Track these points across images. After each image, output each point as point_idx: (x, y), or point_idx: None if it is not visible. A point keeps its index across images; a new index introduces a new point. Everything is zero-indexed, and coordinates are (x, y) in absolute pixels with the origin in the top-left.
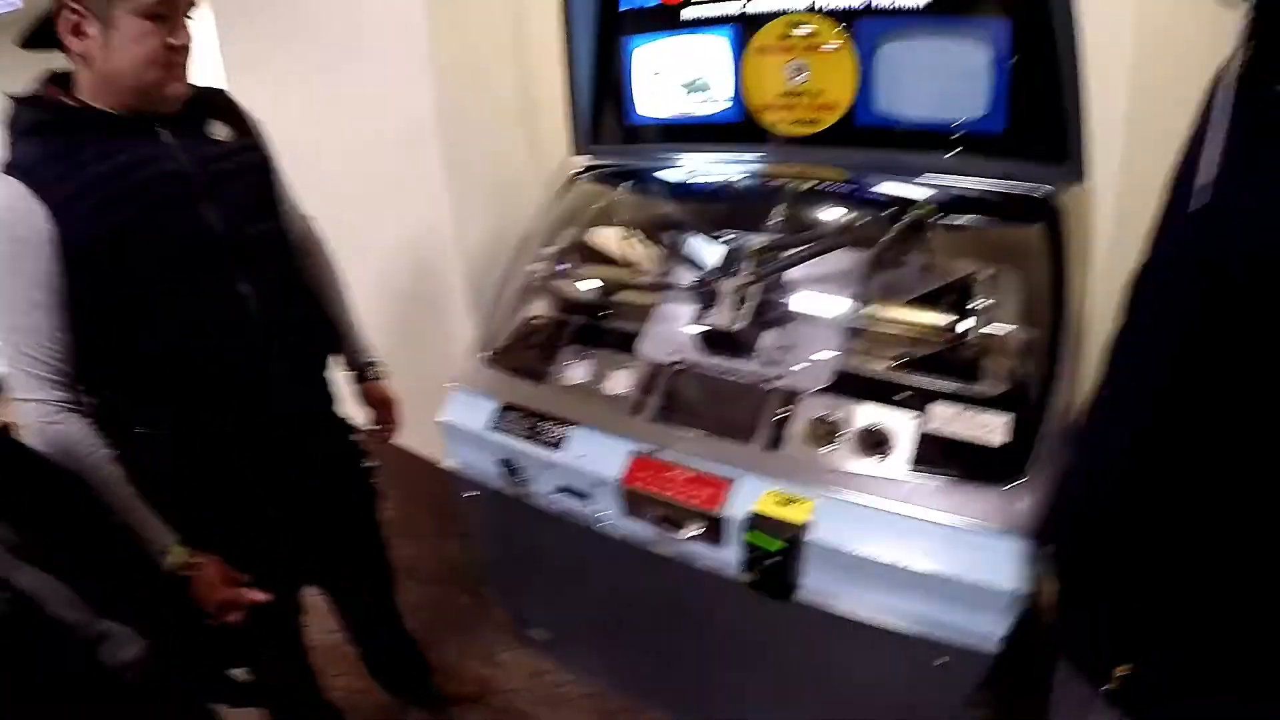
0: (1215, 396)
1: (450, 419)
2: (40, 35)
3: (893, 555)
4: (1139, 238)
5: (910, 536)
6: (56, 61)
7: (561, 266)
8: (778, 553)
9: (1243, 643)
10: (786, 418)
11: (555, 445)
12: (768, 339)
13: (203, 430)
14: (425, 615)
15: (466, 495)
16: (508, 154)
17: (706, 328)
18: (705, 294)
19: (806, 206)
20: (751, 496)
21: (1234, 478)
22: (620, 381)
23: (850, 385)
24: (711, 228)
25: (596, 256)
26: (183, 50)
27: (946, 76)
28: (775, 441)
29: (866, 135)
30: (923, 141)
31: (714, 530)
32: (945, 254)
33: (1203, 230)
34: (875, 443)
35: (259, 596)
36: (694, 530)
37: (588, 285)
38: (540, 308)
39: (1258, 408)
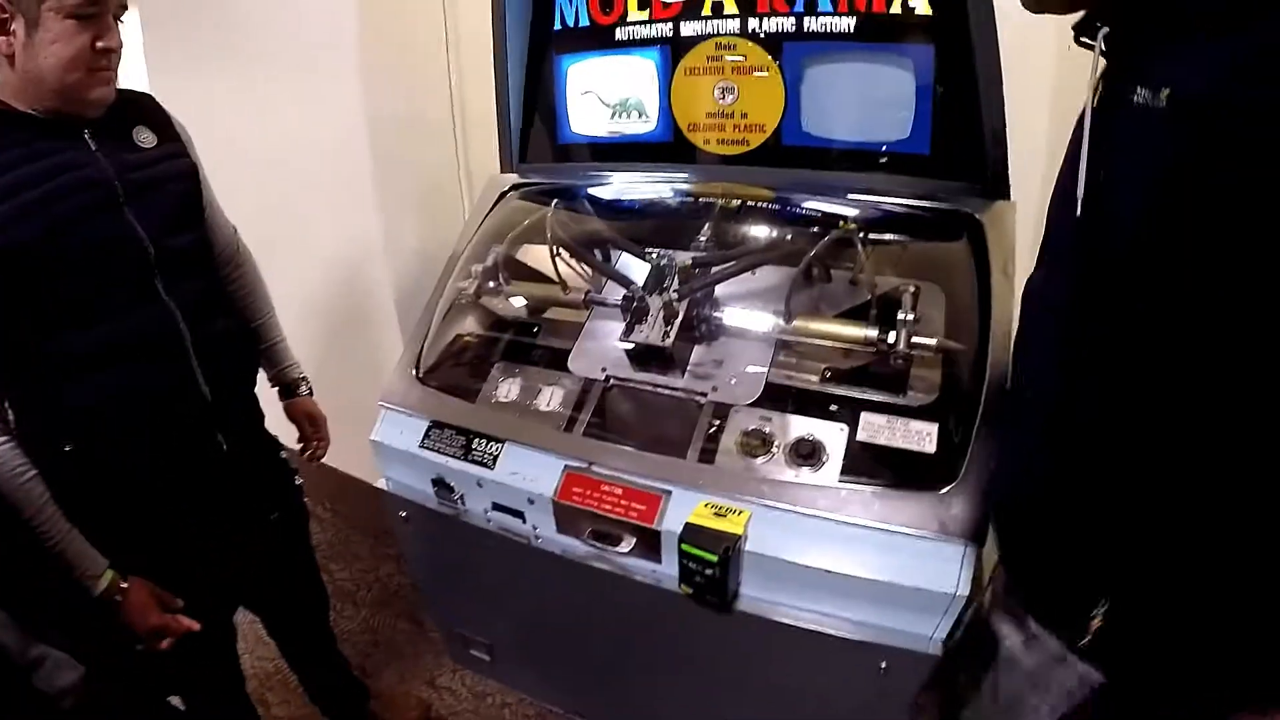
0: (1121, 356)
1: (381, 438)
2: None
3: (830, 562)
4: None
5: (847, 543)
6: None
7: (491, 283)
8: (715, 564)
9: (1206, 587)
10: (719, 431)
11: (488, 464)
12: (698, 354)
13: (129, 447)
14: (363, 640)
15: (400, 515)
16: (439, 168)
17: (636, 344)
18: (635, 310)
19: (735, 223)
20: (686, 509)
21: (1137, 435)
22: (552, 398)
23: (781, 398)
24: (641, 244)
25: (527, 273)
26: (110, 53)
27: (872, 100)
28: (709, 455)
29: (794, 155)
30: (849, 162)
31: (651, 543)
32: (872, 270)
33: (1083, 234)
34: (808, 453)
35: (190, 624)
36: (630, 544)
37: (518, 302)
38: (471, 325)
39: (1152, 360)
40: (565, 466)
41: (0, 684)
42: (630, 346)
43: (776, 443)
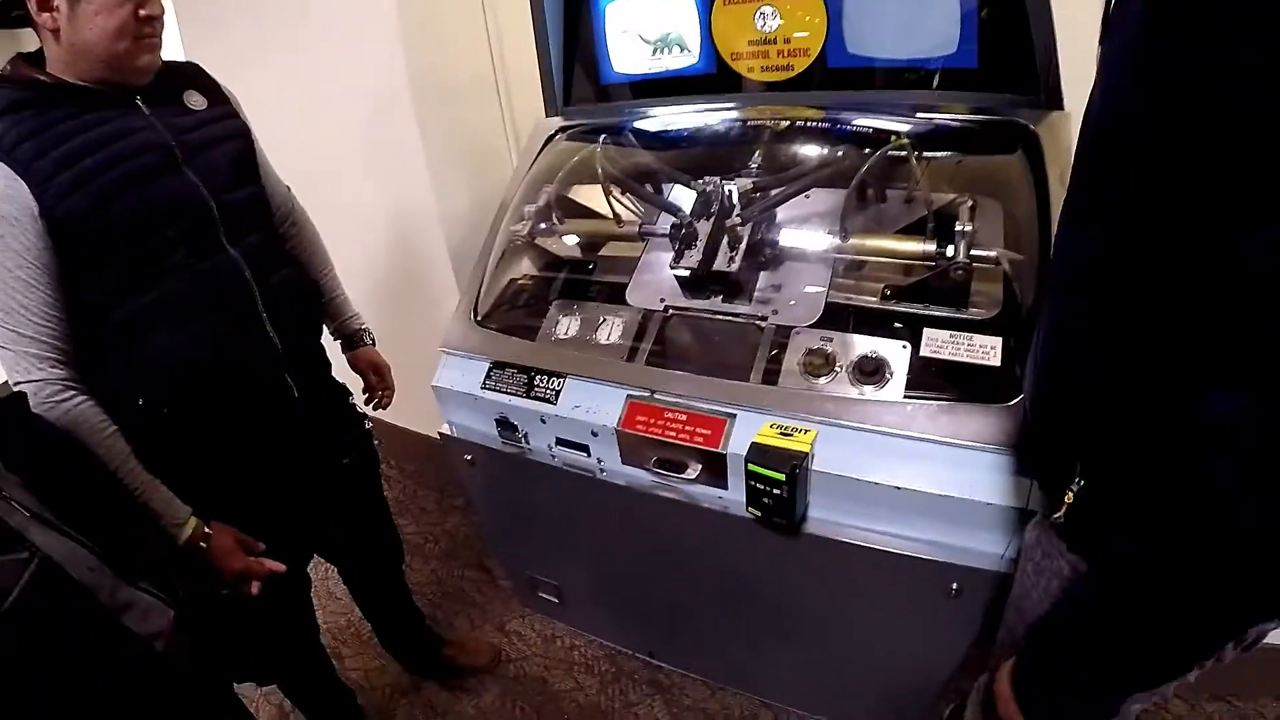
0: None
1: (443, 383)
2: (6, 11)
3: (898, 478)
4: None
5: (914, 459)
6: (26, 44)
7: (544, 224)
8: (782, 483)
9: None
10: (781, 353)
11: (551, 399)
12: (756, 279)
13: (204, 396)
14: (433, 591)
15: (466, 458)
16: (483, 121)
17: (692, 272)
18: (684, 237)
19: (785, 145)
20: (751, 431)
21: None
22: (612, 331)
23: (842, 318)
24: (691, 173)
25: (579, 211)
26: (154, 21)
27: (917, 16)
28: (772, 376)
29: (840, 78)
30: (897, 81)
31: (716, 468)
32: (928, 186)
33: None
34: (872, 370)
35: (275, 566)
36: (696, 470)
37: (572, 240)
38: (526, 267)
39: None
40: (628, 396)
41: (92, 625)
42: (687, 274)
43: (839, 362)
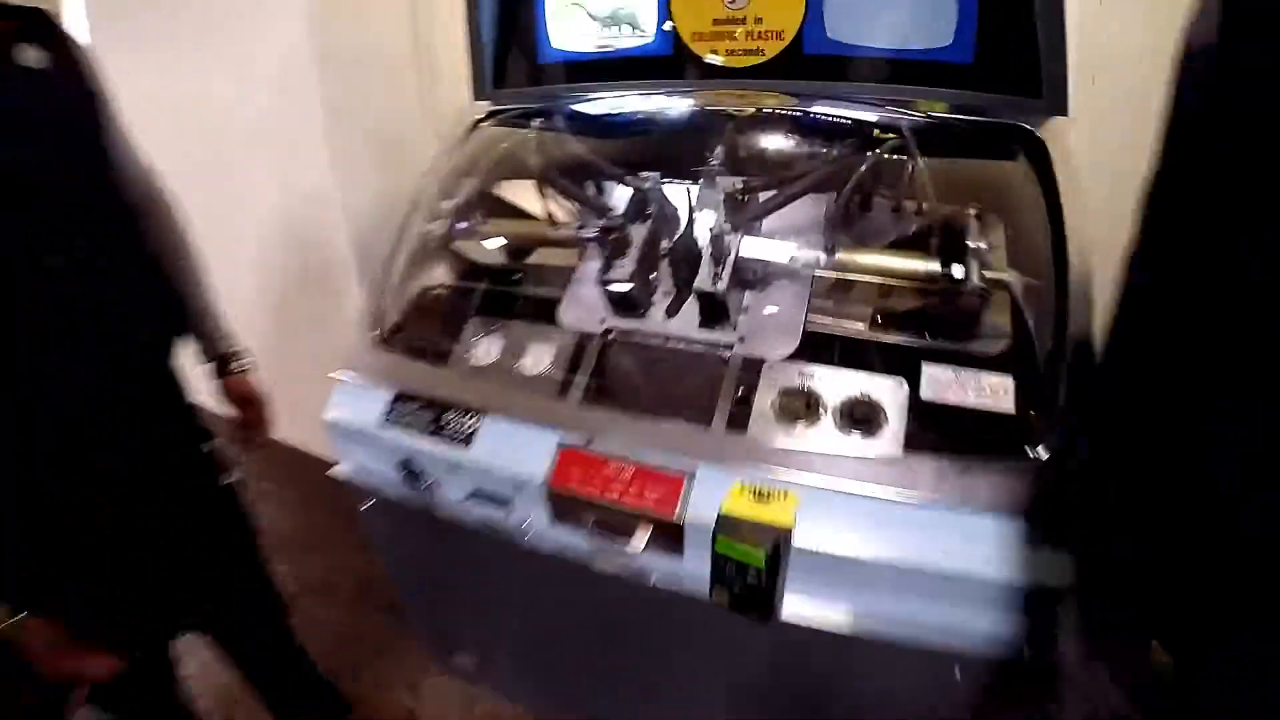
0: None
1: (336, 416)
2: None
3: (898, 554)
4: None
5: (915, 530)
6: None
7: (463, 225)
8: (760, 567)
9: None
10: (750, 391)
11: (464, 441)
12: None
13: (13, 445)
14: (337, 639)
15: (363, 508)
16: (400, 103)
17: (623, 289)
18: (620, 246)
19: (754, 137)
20: (715, 492)
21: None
22: (540, 358)
23: (824, 349)
24: (638, 168)
25: (505, 210)
26: None
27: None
28: (739, 422)
29: (816, 66)
30: (882, 73)
31: (671, 538)
32: (917, 193)
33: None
34: (863, 417)
35: (110, 664)
36: (644, 537)
37: (495, 244)
38: (440, 275)
39: None
40: (559, 444)
41: None
42: (625, 290)
43: (823, 404)
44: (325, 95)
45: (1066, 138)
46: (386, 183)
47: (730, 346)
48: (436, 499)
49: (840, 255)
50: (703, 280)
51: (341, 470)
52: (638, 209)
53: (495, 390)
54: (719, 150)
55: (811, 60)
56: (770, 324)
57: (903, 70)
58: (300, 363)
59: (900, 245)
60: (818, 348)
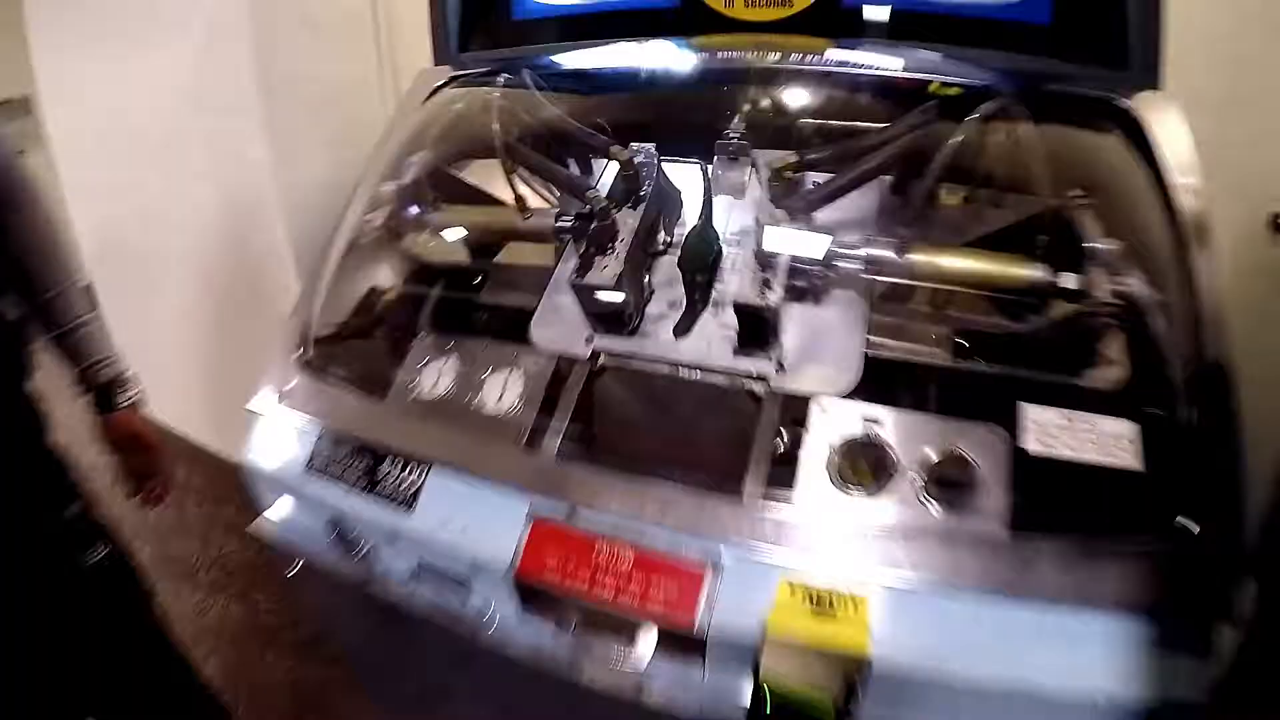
0: None
1: (255, 459)
2: None
3: (1010, 672)
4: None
5: (1030, 639)
6: None
7: (413, 214)
8: (828, 716)
9: None
10: (795, 444)
11: (406, 502)
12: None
13: None
14: (286, 697)
15: (288, 573)
16: (351, 69)
17: (612, 299)
18: (595, 234)
19: (784, 99)
20: (753, 591)
21: None
22: (506, 391)
23: (894, 381)
24: (634, 138)
25: (465, 195)
26: None
27: None
28: (781, 484)
29: (856, 21)
30: (936, 32)
31: (685, 648)
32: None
33: None
34: (950, 479)
35: None
36: (649, 650)
37: (452, 238)
38: (383, 278)
39: None
40: (530, 513)
41: None
42: (615, 300)
43: (897, 461)
44: (259, 54)
45: (1164, 114)
46: (336, 161)
47: (766, 379)
48: (374, 571)
49: (914, 257)
50: (745, 290)
51: (264, 525)
52: (628, 190)
53: (446, 435)
54: (737, 117)
55: (850, 14)
56: (821, 348)
57: (963, 29)
58: (233, 381)
59: (987, 245)
60: (884, 380)
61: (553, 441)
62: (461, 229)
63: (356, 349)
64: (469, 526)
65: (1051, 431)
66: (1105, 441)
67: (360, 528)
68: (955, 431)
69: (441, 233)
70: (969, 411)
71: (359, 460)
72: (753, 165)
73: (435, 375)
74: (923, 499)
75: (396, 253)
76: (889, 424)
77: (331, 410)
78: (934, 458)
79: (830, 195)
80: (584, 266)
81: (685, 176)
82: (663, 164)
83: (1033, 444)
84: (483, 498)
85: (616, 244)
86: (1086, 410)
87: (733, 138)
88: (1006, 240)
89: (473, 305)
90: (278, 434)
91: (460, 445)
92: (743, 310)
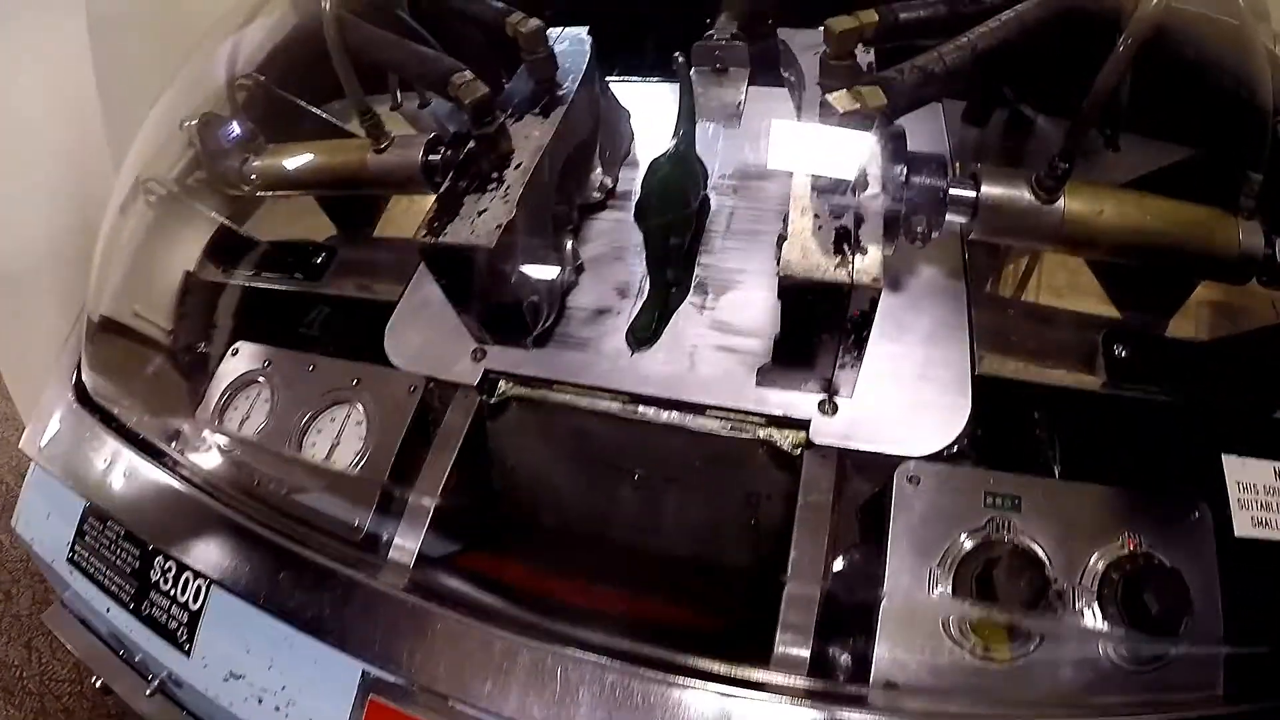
0: None
1: (22, 529)
2: None
3: None
4: None
5: None
6: None
7: (225, 153)
8: None
9: None
10: (867, 553)
11: (180, 637)
12: (732, 306)
13: None
14: None
15: (96, 681)
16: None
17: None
18: (473, 166)
19: None
20: None
21: None
22: (342, 443)
23: (1020, 424)
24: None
25: (304, 122)
26: None
27: None
28: (835, 660)
29: None
30: None
31: None
32: None
33: None
34: (1144, 602)
35: None
36: None
37: (274, 189)
38: (182, 254)
39: None
40: (365, 676)
41: None
42: (495, 275)
43: (1057, 577)
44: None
45: None
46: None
47: (805, 426)
48: (165, 703)
49: (1073, 204)
50: (797, 251)
51: (53, 616)
52: (538, 93)
53: (236, 530)
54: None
55: None
56: (900, 366)
57: None
58: None
59: (1155, 184)
60: (1005, 422)
61: (409, 542)
62: (288, 170)
63: (137, 370)
64: (265, 688)
65: (1270, 494)
66: None
67: (139, 651)
68: (1138, 512)
69: (260, 180)
70: (1140, 471)
71: (126, 552)
72: (782, 45)
73: (241, 415)
74: (1108, 638)
75: (197, 216)
76: (1028, 505)
77: (95, 467)
78: (1114, 572)
79: (916, 97)
80: (443, 213)
81: (640, 92)
82: (601, 68)
83: (1245, 524)
84: (292, 645)
85: (508, 174)
86: None
87: (719, 39)
88: (1180, 181)
89: (301, 299)
90: (48, 499)
91: (257, 550)
92: (801, 291)
